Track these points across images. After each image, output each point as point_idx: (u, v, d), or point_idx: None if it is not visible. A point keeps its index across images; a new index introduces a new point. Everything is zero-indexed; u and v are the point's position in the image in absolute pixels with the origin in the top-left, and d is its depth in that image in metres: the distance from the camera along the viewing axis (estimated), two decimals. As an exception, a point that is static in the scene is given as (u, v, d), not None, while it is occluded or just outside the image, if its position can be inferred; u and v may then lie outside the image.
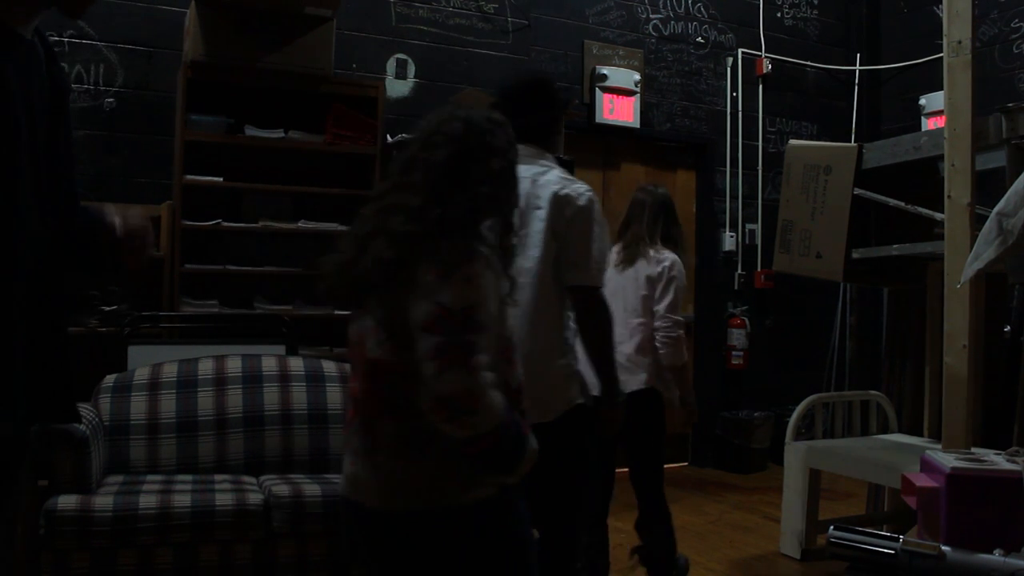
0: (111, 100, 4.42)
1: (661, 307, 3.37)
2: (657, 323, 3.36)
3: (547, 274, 2.40)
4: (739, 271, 6.23)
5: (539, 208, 2.41)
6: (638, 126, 5.81)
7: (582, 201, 2.41)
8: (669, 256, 3.43)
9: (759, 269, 6.23)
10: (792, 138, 6.04)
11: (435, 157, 1.69)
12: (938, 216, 3.22)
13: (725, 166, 6.21)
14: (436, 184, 1.67)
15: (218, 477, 3.05)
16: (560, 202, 2.39)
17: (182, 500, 2.71)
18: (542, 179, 2.44)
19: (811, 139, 6.41)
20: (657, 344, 3.35)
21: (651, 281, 3.37)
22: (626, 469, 3.45)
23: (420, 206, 1.64)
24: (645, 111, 5.87)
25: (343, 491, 1.76)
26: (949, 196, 3.01)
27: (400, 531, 1.68)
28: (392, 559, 1.71)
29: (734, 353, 6.12)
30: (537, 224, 2.40)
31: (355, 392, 1.74)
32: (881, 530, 2.48)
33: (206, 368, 3.34)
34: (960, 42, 2.97)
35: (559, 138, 2.83)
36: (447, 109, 1.80)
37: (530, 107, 2.51)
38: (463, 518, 1.66)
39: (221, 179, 4.21)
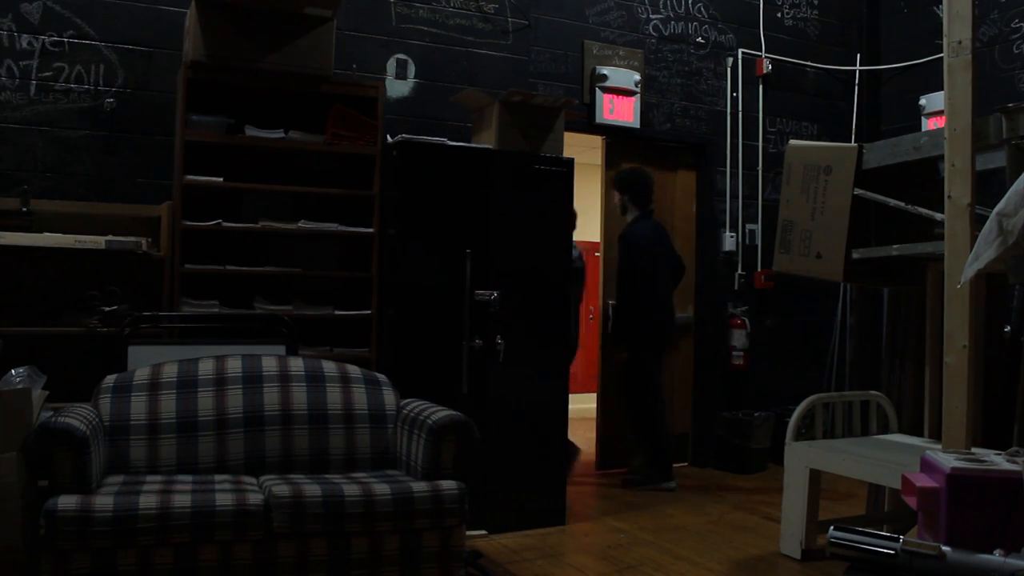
0: (111, 100, 4.42)
1: None
2: None
3: None
4: (739, 271, 6.23)
5: None
6: (638, 126, 5.81)
7: None
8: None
9: (759, 269, 6.24)
10: (792, 138, 6.05)
11: None
12: (938, 216, 3.22)
13: (725, 166, 6.21)
14: None
15: (218, 477, 3.05)
16: None
17: (182, 500, 2.71)
18: None
19: (811, 139, 6.41)
20: None
21: None
22: None
23: None
24: (645, 111, 5.87)
25: None
26: (949, 196, 3.01)
27: None
28: None
29: (734, 353, 6.12)
30: None
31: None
32: (881, 530, 2.48)
33: (206, 368, 3.34)
34: (960, 42, 2.97)
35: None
36: None
37: None
38: None
39: (221, 179, 4.21)
